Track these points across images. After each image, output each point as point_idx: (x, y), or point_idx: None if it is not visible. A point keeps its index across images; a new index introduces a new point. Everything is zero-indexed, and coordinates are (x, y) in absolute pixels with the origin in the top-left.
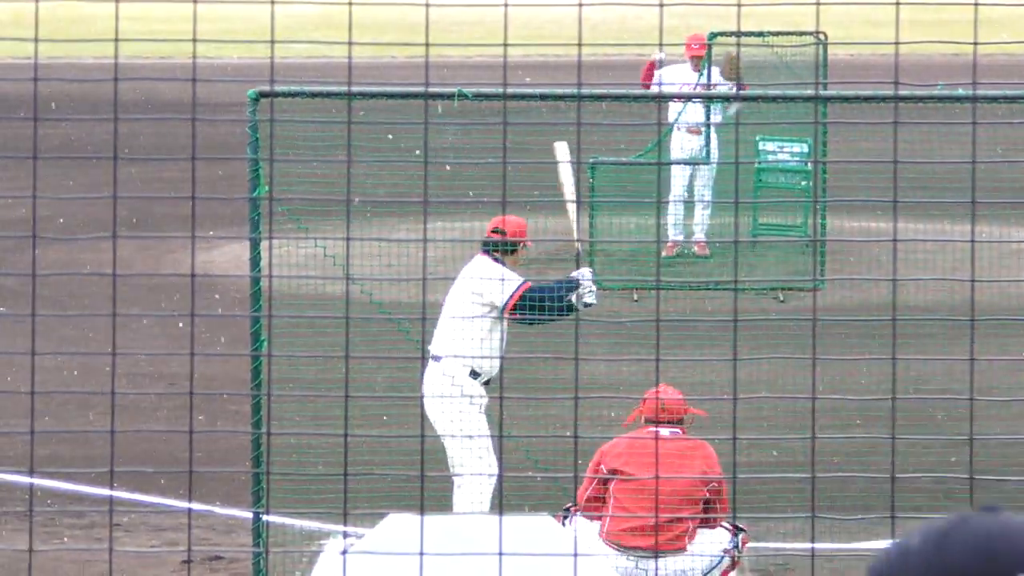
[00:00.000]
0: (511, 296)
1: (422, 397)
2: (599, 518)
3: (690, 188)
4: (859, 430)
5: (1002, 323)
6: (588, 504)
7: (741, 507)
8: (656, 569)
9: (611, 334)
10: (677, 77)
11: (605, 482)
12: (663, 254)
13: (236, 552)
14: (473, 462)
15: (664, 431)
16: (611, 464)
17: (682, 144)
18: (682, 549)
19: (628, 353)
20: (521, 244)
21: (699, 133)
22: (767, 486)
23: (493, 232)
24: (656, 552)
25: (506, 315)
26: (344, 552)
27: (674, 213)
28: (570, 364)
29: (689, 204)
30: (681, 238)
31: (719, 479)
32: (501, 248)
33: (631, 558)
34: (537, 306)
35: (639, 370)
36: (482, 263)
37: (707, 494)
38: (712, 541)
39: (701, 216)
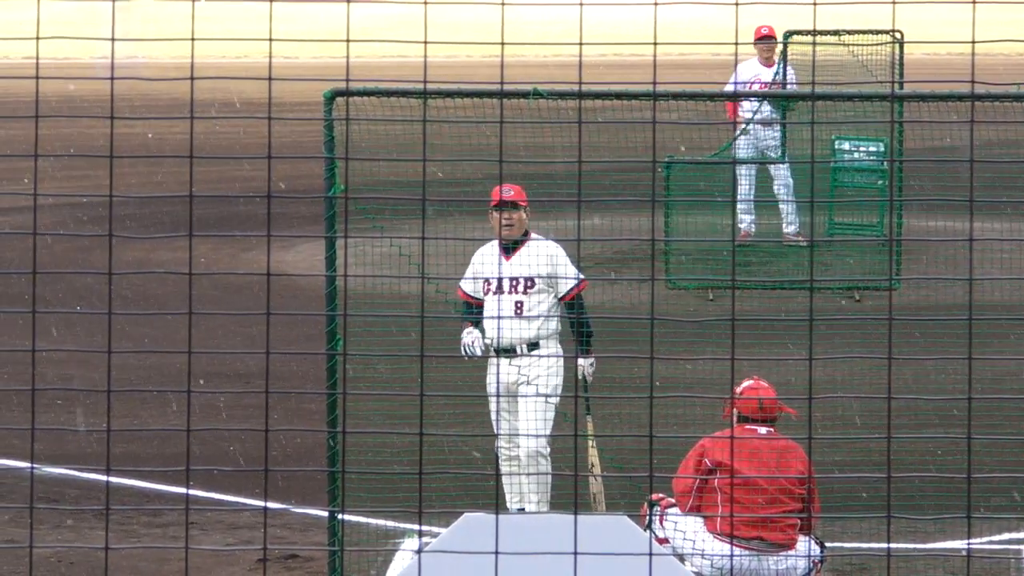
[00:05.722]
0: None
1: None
2: (706, 510)
3: (763, 188)
4: (935, 430)
5: None
6: (687, 496)
7: None
8: (775, 560)
9: (686, 333)
10: (749, 72)
11: (706, 475)
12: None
13: (312, 550)
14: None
15: (761, 429)
16: (717, 458)
17: (751, 141)
18: (792, 545)
19: (703, 352)
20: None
21: (769, 125)
22: (843, 486)
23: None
24: (775, 544)
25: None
26: (419, 551)
27: (746, 210)
28: (645, 363)
29: (760, 203)
30: (753, 229)
31: (813, 479)
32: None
33: (747, 550)
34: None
35: (713, 369)
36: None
37: (804, 494)
38: (806, 548)
39: (787, 213)
